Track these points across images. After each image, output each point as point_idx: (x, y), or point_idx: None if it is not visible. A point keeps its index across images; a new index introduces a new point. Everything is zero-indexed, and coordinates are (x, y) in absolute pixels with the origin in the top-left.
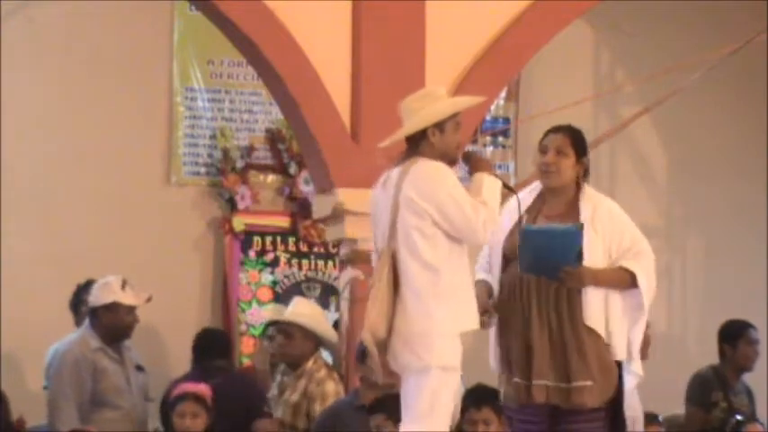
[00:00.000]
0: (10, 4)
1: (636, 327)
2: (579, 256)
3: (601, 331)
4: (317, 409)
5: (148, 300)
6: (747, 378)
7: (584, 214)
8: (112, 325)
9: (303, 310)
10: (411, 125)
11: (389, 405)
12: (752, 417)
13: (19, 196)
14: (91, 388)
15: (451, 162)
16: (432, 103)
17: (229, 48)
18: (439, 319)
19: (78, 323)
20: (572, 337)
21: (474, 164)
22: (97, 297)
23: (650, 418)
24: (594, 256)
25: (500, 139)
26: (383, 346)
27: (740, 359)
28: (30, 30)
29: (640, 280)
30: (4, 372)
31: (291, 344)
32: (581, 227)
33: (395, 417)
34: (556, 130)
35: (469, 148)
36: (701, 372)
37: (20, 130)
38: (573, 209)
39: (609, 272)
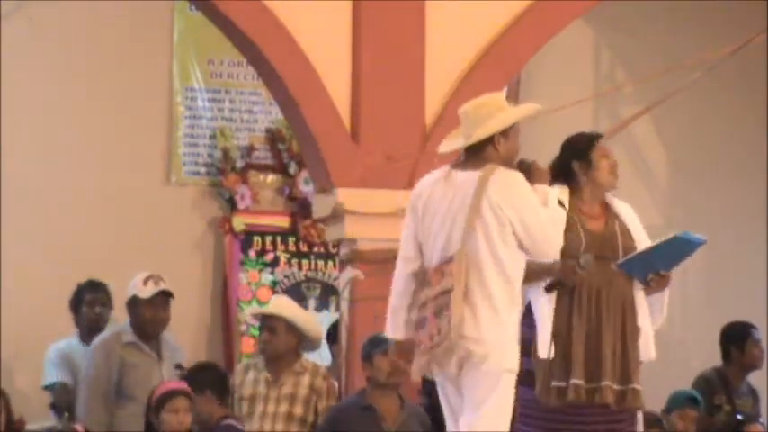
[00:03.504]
0: (10, 4)
1: (652, 328)
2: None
3: (643, 332)
4: (323, 404)
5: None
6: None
7: (620, 211)
8: (135, 320)
9: (283, 303)
10: (482, 131)
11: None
12: (755, 418)
13: (18, 196)
14: (116, 381)
15: (510, 168)
16: (497, 110)
17: (229, 48)
18: (512, 326)
19: (78, 323)
20: (632, 339)
21: (534, 175)
22: (127, 293)
23: (652, 421)
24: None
25: None
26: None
27: (748, 360)
28: (30, 29)
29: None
30: (3, 372)
31: (276, 339)
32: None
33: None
34: (601, 137)
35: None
36: (704, 374)
37: (19, 130)
38: (606, 207)
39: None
